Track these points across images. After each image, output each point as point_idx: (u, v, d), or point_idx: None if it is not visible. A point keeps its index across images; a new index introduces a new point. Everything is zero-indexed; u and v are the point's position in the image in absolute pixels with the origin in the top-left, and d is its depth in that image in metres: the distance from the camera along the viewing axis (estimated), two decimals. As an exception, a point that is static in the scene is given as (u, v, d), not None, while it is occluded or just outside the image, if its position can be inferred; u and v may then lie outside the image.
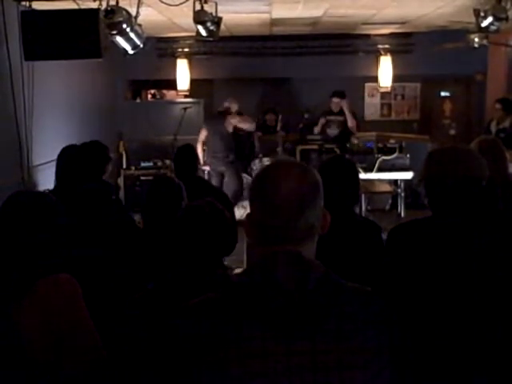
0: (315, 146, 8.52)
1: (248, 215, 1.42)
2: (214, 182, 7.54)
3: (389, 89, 10.30)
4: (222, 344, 1.29)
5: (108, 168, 3.69)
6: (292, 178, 1.37)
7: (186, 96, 10.04)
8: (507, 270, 2.07)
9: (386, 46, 9.89)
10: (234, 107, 7.78)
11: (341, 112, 8.14)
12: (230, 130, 7.70)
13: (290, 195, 1.35)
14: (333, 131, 8.13)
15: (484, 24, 5.58)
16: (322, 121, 8.35)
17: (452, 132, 10.80)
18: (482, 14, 5.54)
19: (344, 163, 3.20)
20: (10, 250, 1.95)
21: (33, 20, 4.59)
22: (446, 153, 2.23)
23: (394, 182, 7.58)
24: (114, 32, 4.61)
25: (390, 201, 8.38)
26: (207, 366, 1.29)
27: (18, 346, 1.82)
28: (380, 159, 7.13)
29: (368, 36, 9.78)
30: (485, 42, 7.43)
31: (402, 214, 7.41)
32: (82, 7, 4.78)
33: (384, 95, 10.68)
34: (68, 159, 3.99)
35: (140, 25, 4.85)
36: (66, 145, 4.41)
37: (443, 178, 2.14)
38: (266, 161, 7.78)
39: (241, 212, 7.11)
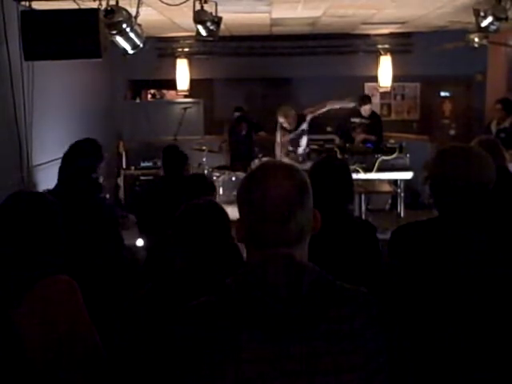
0: (315, 146, 8.51)
1: (238, 220, 1.41)
2: None
3: (388, 89, 10.30)
4: (218, 348, 1.29)
5: (99, 168, 3.64)
6: (279, 181, 1.35)
7: (185, 96, 10.04)
8: (508, 272, 2.06)
9: (386, 46, 9.89)
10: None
11: (368, 116, 8.08)
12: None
13: (278, 199, 1.33)
14: (358, 134, 8.07)
15: (484, 24, 5.58)
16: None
17: (452, 132, 10.81)
18: (482, 13, 5.54)
19: (334, 163, 3.19)
20: (9, 251, 1.95)
21: (33, 20, 4.58)
22: (458, 154, 2.15)
23: (394, 182, 7.58)
24: (114, 32, 4.60)
25: (389, 201, 8.38)
26: (203, 370, 1.29)
27: (17, 347, 1.81)
28: (380, 159, 7.13)
29: (368, 36, 9.78)
30: (484, 41, 7.43)
31: (402, 214, 7.41)
32: (82, 7, 4.77)
33: (384, 95, 10.68)
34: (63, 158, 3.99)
35: (140, 25, 4.85)
36: (65, 145, 4.39)
37: (455, 180, 2.09)
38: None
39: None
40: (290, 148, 7.64)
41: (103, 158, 3.69)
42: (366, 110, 8.05)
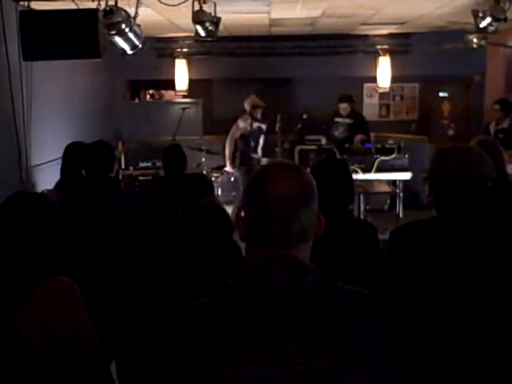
0: (314, 147, 8.52)
1: (241, 218, 1.41)
2: None
3: (387, 89, 10.30)
4: (219, 349, 1.29)
5: (114, 167, 3.75)
6: (286, 183, 1.35)
7: (184, 96, 10.04)
8: (509, 271, 2.06)
9: (385, 47, 9.89)
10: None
11: (349, 115, 8.13)
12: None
13: (284, 201, 1.33)
14: (340, 134, 8.13)
15: (482, 25, 5.59)
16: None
17: (450, 132, 10.81)
18: (481, 14, 5.54)
19: (335, 164, 3.20)
20: (8, 253, 1.95)
21: (31, 20, 4.58)
22: (457, 153, 2.18)
23: (393, 183, 7.58)
24: (113, 32, 4.60)
25: (388, 201, 8.39)
26: (204, 370, 1.28)
27: (17, 350, 1.81)
28: (379, 159, 7.14)
29: (367, 36, 9.78)
30: (483, 42, 7.44)
31: (401, 215, 7.42)
32: (81, 7, 4.77)
33: (383, 96, 10.68)
34: (75, 157, 4.01)
35: (139, 25, 4.85)
36: (64, 145, 4.40)
37: (454, 178, 2.10)
38: (265, 161, 7.79)
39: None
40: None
41: (116, 158, 3.78)
42: (343, 108, 8.09)
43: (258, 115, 7.93)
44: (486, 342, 2.04)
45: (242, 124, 7.92)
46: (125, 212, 3.58)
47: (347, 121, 8.11)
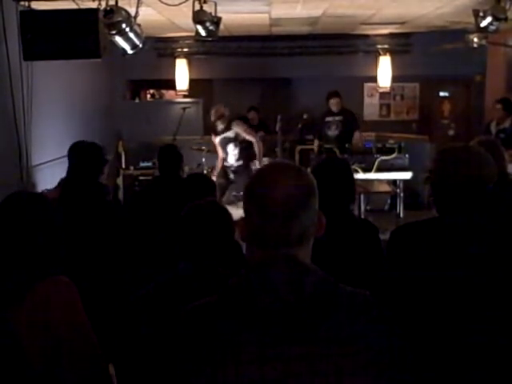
0: (315, 148, 8.52)
1: (242, 219, 1.41)
2: None
3: (388, 89, 10.29)
4: (219, 349, 1.28)
5: (105, 170, 3.69)
6: (286, 182, 1.35)
7: (185, 96, 10.04)
8: (509, 272, 2.06)
9: (385, 46, 9.88)
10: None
11: (340, 112, 8.16)
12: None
13: (284, 200, 1.33)
14: (333, 132, 8.17)
15: (483, 24, 5.59)
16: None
17: (451, 132, 10.82)
18: (481, 14, 5.54)
19: (337, 163, 3.20)
20: (8, 253, 1.94)
21: (32, 20, 4.58)
22: (458, 152, 2.18)
23: (393, 182, 7.58)
24: (114, 32, 4.60)
25: (388, 201, 8.38)
26: (204, 371, 1.28)
27: (16, 350, 1.81)
28: (379, 159, 7.14)
29: (367, 36, 9.78)
30: (484, 42, 7.44)
31: (401, 215, 7.41)
32: (81, 7, 4.77)
33: (383, 95, 10.68)
34: (70, 159, 4.01)
35: (139, 25, 4.85)
36: (64, 145, 4.40)
37: (455, 179, 2.10)
38: (265, 161, 7.77)
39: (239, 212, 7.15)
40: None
41: (108, 161, 3.73)
42: (333, 104, 8.12)
43: (220, 126, 7.27)
44: (486, 342, 2.04)
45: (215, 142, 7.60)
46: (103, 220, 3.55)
47: (337, 118, 8.16)
